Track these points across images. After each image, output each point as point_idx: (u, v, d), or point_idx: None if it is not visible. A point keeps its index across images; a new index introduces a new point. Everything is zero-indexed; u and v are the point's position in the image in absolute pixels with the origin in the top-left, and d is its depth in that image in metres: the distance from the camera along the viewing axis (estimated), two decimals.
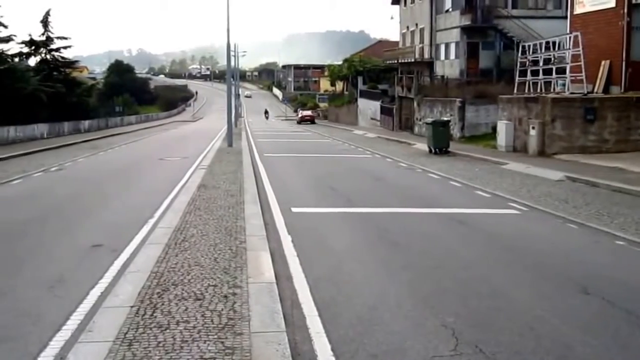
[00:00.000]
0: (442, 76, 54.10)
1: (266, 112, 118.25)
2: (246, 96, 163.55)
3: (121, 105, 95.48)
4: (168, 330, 6.78)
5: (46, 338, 7.01)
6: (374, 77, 79.47)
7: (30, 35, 62.09)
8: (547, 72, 32.90)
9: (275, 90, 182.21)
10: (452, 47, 53.83)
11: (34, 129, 48.32)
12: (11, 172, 24.58)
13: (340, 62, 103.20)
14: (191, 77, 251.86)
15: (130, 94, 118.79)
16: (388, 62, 71.96)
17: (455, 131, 41.21)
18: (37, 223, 14.34)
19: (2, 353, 6.71)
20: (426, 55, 59.23)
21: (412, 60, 61.43)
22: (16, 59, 55.58)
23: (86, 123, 63.80)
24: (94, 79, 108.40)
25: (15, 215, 15.34)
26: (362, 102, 75.71)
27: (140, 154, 35.24)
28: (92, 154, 34.24)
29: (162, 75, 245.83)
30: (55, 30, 64.45)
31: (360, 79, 79.40)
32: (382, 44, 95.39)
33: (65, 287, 9.07)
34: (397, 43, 72.31)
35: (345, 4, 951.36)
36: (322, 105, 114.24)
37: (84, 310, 7.91)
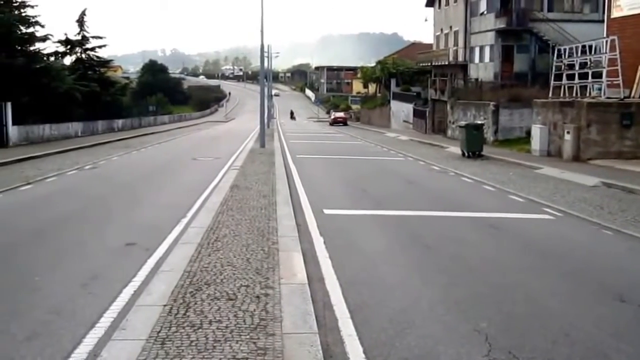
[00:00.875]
0: (476, 79, 53.76)
1: (292, 113, 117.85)
2: (274, 95, 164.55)
3: (154, 104, 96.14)
4: (201, 330, 6.80)
5: (80, 335, 7.06)
6: (407, 79, 79.23)
7: (66, 34, 62.59)
8: (583, 76, 32.58)
9: (308, 92, 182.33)
10: (487, 50, 53.50)
11: (68, 127, 48.79)
12: (46, 169, 24.80)
13: (373, 64, 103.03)
14: (224, 77, 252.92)
15: (164, 93, 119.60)
16: (421, 64, 71.79)
17: (488, 135, 40.96)
18: (70, 221, 14.51)
19: (37, 348, 6.74)
20: (460, 58, 58.97)
21: (446, 62, 61.24)
22: (52, 58, 55.95)
23: (120, 122, 64.31)
24: (127, 78, 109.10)
25: (49, 213, 15.49)
26: (395, 105, 75.54)
27: (174, 154, 35.42)
28: (126, 153, 34.48)
29: (203, 77, 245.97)
30: (91, 29, 64.94)
31: (393, 81, 79.17)
32: (415, 46, 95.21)
33: (99, 284, 9.11)
34: (430, 45, 72.08)
35: (379, 6, 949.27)
36: (354, 107, 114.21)
37: (117, 308, 7.96)
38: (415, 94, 69.36)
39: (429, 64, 67.20)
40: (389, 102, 78.77)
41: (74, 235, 12.77)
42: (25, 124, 40.64)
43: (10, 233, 13.05)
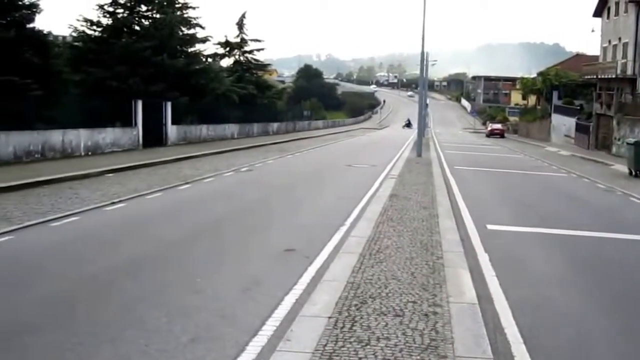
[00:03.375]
0: None
1: (408, 121, 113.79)
2: (409, 95, 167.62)
3: (309, 109, 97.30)
4: (368, 346, 6.53)
5: (243, 342, 6.94)
6: (569, 92, 76.59)
7: (226, 36, 64.52)
8: None
9: (464, 102, 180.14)
10: None
11: (225, 128, 50.19)
12: (203, 170, 25.44)
13: (532, 75, 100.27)
14: (378, 84, 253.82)
15: (318, 98, 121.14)
16: (586, 77, 69.04)
17: None
18: (228, 222, 14.69)
19: (200, 352, 6.69)
20: (629, 72, 56.22)
21: (613, 76, 58.57)
22: (210, 60, 57.55)
23: (275, 125, 65.44)
24: (282, 82, 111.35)
25: (207, 213, 15.77)
26: (556, 118, 73.24)
27: (328, 159, 35.45)
28: (281, 157, 34.86)
29: (374, 85, 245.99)
30: (249, 32, 66.66)
31: (555, 94, 76.67)
32: (579, 57, 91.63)
33: (260, 290, 9.01)
34: (595, 57, 69.24)
35: (541, 15, 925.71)
36: (511, 119, 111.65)
37: (279, 316, 7.81)
38: (578, 107, 66.95)
39: (594, 76, 64.49)
40: (550, 115, 76.39)
41: (232, 238, 12.84)
42: (183, 124, 42.07)
43: (170, 231, 13.34)
